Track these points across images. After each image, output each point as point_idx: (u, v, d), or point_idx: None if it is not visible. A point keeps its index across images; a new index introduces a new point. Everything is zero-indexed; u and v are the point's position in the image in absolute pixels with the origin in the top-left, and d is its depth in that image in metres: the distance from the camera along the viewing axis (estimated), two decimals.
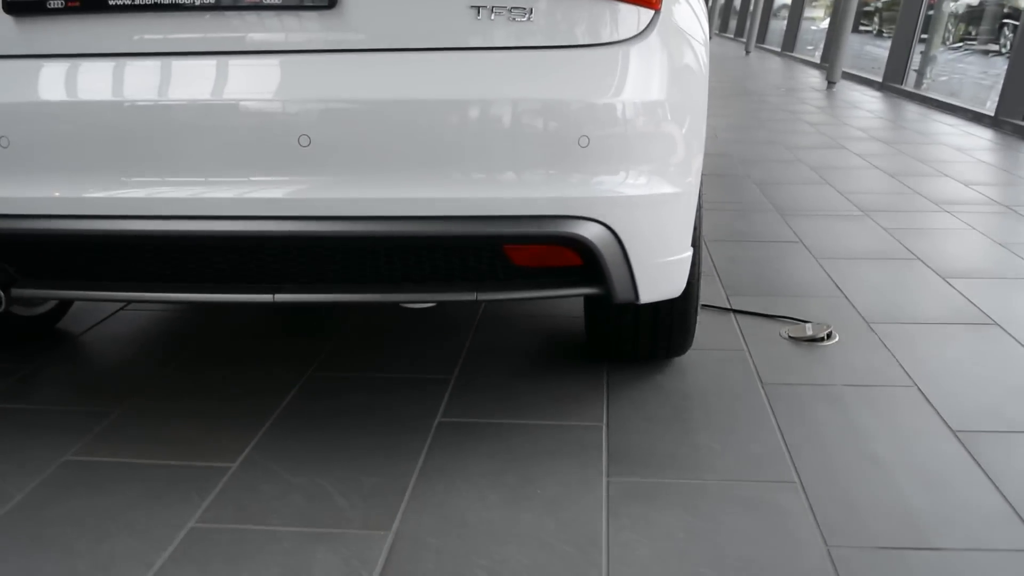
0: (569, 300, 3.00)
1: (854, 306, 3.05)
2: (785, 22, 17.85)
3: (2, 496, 1.93)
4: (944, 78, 11.07)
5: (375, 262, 1.89)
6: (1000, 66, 13.01)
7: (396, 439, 2.14)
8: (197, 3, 1.80)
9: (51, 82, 1.86)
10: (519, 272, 1.93)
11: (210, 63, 1.82)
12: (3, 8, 1.86)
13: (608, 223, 1.85)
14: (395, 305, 2.17)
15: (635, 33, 1.88)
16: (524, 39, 1.82)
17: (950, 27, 12.85)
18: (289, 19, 1.81)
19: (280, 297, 1.90)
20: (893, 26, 15.12)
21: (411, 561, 1.69)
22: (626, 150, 1.85)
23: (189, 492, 1.93)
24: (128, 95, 1.82)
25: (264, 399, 2.36)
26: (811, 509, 1.84)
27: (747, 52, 17.42)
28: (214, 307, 3.00)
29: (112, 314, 3.01)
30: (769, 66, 14.47)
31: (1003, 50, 17.52)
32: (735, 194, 4.80)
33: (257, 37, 1.81)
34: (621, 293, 1.93)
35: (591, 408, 2.29)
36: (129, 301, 1.99)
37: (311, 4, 1.79)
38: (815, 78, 12.07)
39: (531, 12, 1.82)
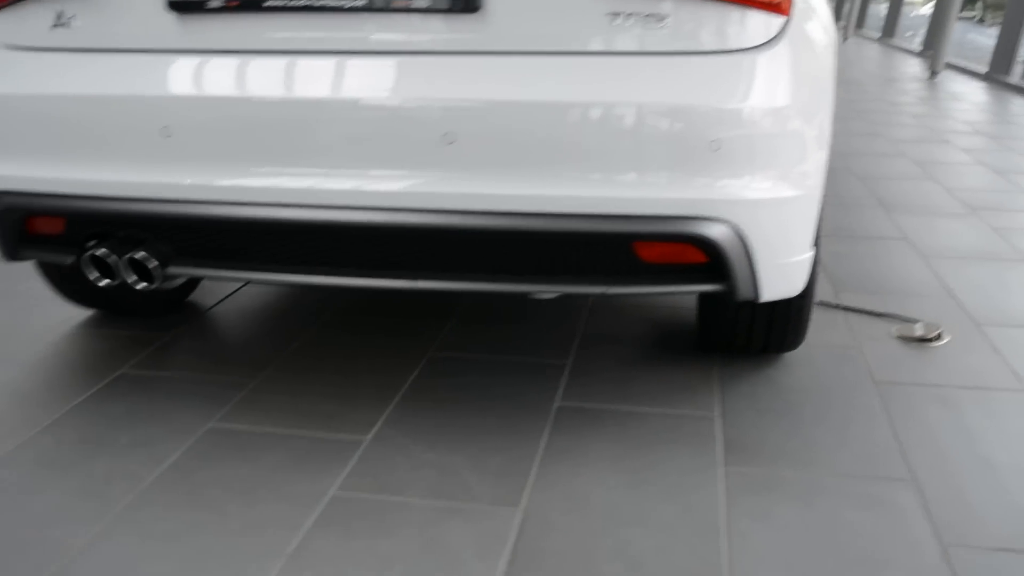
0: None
1: (963, 307, 3.06)
2: (883, 7, 17.47)
3: (157, 458, 2.09)
4: None
5: (511, 254, 1.99)
6: None
7: (518, 420, 2.25)
8: (347, 5, 1.91)
9: (210, 76, 1.99)
10: (646, 268, 2.01)
11: (360, 62, 1.93)
12: (167, 6, 2.00)
13: (735, 224, 1.92)
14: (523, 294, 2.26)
15: (766, 40, 1.93)
16: (659, 45, 1.89)
17: None
18: (435, 22, 1.90)
19: (420, 284, 2.01)
20: (997, 12, 14.70)
21: (540, 538, 1.79)
22: (755, 154, 1.91)
23: (328, 462, 2.06)
24: (283, 91, 1.94)
25: (390, 376, 2.48)
26: (926, 508, 1.90)
27: (844, 39, 17.09)
28: (355, 291, 3.14)
29: (237, 290, 3.17)
30: (868, 54, 14.20)
31: None
32: (838, 188, 4.79)
33: (405, 38, 1.92)
34: (743, 291, 2.00)
35: (704, 398, 2.37)
36: (277, 283, 2.12)
37: (456, 8, 1.89)
38: (915, 67, 11.83)
39: (665, 19, 1.89)
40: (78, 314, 2.96)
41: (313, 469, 2.04)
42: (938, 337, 2.78)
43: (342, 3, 1.90)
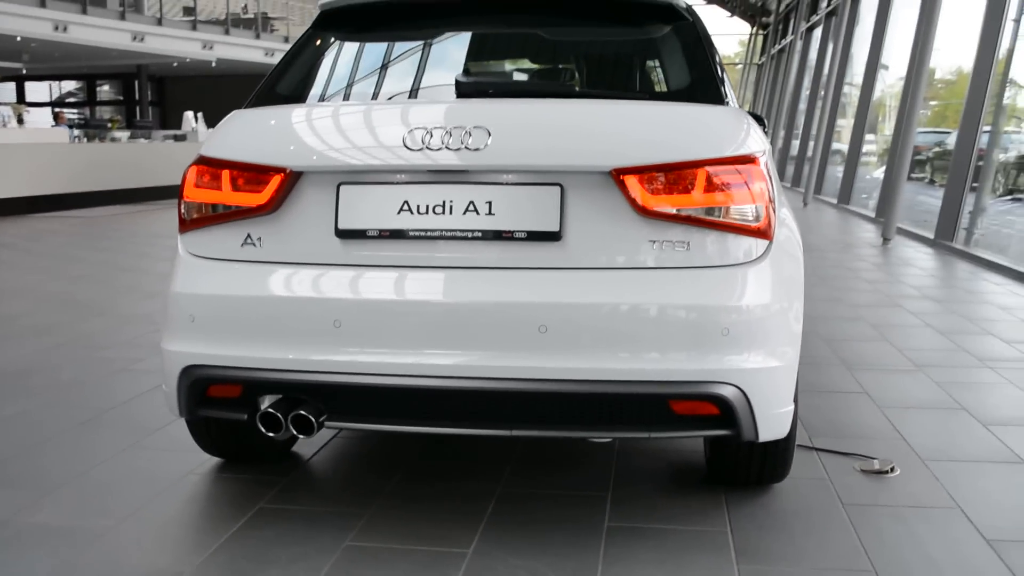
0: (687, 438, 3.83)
1: (911, 447, 3.85)
2: (839, 168, 18.80)
3: (315, 568, 2.80)
4: (992, 230, 11.83)
5: (582, 410, 2.78)
6: None
7: (581, 537, 2.98)
8: (469, 236, 2.75)
9: (367, 284, 2.81)
10: (677, 418, 2.79)
11: (477, 274, 2.75)
12: (335, 233, 2.83)
13: (741, 386, 2.72)
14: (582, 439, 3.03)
15: (758, 256, 2.79)
16: (684, 262, 2.74)
17: (1000, 178, 13.59)
18: (531, 247, 2.75)
19: (516, 432, 2.78)
20: (944, 175, 16.03)
21: None
22: (752, 337, 2.74)
23: (445, 568, 2.78)
24: (419, 296, 2.76)
25: (475, 504, 3.22)
26: None
27: (804, 204, 18.39)
28: (430, 439, 3.85)
29: (331, 439, 3.91)
30: (826, 219, 15.42)
31: None
32: (808, 350, 5.62)
33: (510, 257, 2.75)
34: (747, 434, 2.78)
35: (717, 518, 3.12)
36: (404, 432, 2.88)
37: (544, 238, 2.73)
38: (870, 232, 12.96)
39: (688, 244, 2.74)
40: (204, 460, 3.67)
41: (436, 574, 2.75)
42: (892, 470, 3.56)
43: (466, 234, 2.75)
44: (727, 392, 2.71)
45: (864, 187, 17.72)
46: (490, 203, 2.76)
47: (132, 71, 32.74)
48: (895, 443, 3.91)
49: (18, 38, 24.33)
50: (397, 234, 2.80)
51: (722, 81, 3.16)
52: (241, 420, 2.98)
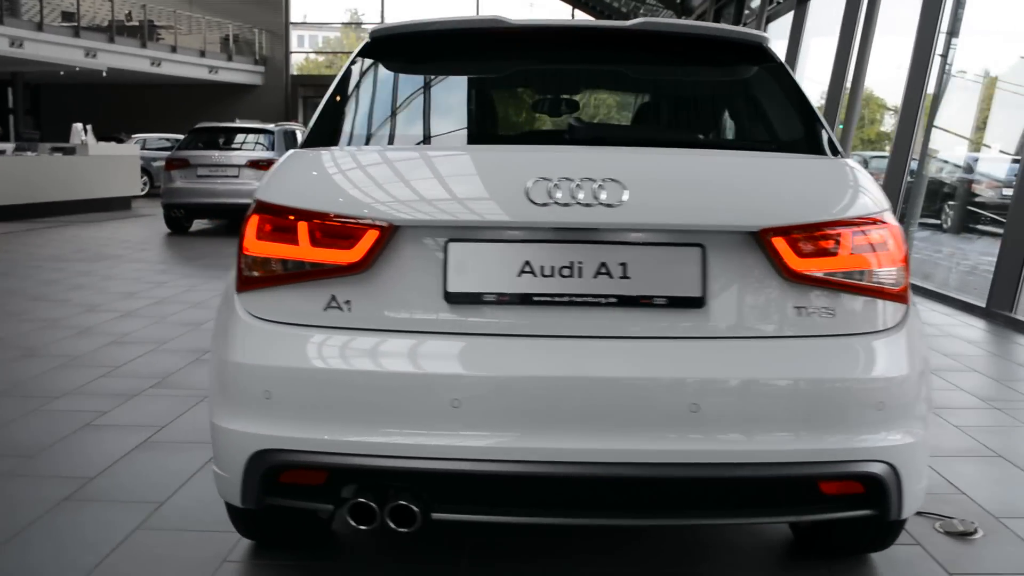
0: None
1: (975, 502, 3.72)
2: None
3: None
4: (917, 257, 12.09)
5: (728, 495, 2.51)
6: (948, 243, 14.19)
7: None
8: (603, 302, 2.46)
9: (488, 356, 2.47)
10: (825, 499, 2.56)
11: (614, 346, 2.45)
12: (444, 297, 2.49)
13: (893, 463, 2.50)
14: None
15: (899, 321, 2.59)
16: (831, 329, 2.51)
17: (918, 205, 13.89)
18: (670, 314, 2.47)
19: (654, 522, 2.50)
20: None
21: None
22: (902, 409, 2.52)
23: None
24: (550, 370, 2.43)
25: None
26: None
27: None
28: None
29: None
30: None
31: (944, 226, 18.99)
32: None
33: (648, 325, 2.46)
34: (893, 513, 2.57)
35: None
36: (523, 525, 2.54)
37: (685, 304, 2.46)
38: None
39: (834, 310, 2.52)
40: (234, 543, 3.22)
41: None
42: (975, 531, 3.41)
43: (598, 300, 2.45)
44: (879, 470, 2.49)
45: None
46: (624, 265, 2.47)
47: (6, 78, 30.98)
48: (957, 498, 3.77)
49: None
50: (519, 299, 2.48)
51: (827, 130, 2.96)
52: (324, 511, 2.60)
